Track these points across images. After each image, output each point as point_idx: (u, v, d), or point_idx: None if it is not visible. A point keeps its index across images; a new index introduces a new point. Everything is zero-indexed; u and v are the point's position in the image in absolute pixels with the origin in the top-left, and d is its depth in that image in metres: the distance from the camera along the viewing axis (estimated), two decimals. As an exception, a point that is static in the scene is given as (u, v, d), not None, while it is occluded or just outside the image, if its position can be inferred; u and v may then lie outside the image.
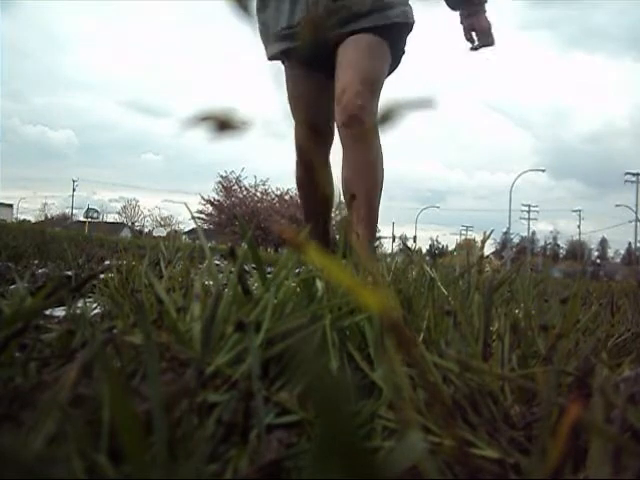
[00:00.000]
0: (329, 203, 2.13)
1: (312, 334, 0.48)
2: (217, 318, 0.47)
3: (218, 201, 22.45)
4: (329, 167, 2.15)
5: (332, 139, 2.18)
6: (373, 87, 1.94)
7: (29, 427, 0.29)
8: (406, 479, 0.31)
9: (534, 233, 61.04)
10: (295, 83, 2.14)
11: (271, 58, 2.16)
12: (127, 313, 0.64)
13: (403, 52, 2.11)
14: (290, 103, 2.17)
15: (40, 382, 0.38)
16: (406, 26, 2.04)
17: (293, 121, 2.14)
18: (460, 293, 0.79)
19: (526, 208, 48.35)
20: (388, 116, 0.32)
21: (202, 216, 22.66)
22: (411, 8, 2.06)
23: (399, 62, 2.12)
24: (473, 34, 2.12)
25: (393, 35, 2.02)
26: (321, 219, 2.25)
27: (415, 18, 2.06)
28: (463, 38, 2.15)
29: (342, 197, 2.07)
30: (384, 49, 2.01)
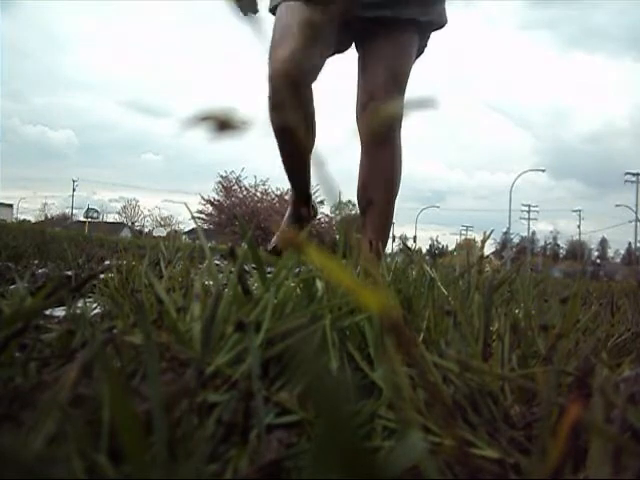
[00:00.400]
0: (308, 149, 1.91)
1: (312, 334, 0.48)
2: (217, 318, 0.47)
3: (218, 201, 22.46)
4: (311, 108, 1.86)
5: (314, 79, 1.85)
6: (401, 92, 1.87)
7: (29, 427, 0.29)
8: (406, 479, 0.31)
9: (534, 233, 61.10)
10: (299, 12, 1.75)
11: (274, 9, 1.86)
12: (127, 313, 0.64)
13: (426, 46, 2.00)
14: (282, 29, 1.78)
15: (40, 382, 0.38)
16: (439, 25, 1.94)
17: (275, 52, 1.73)
18: (460, 293, 0.79)
19: (526, 208, 48.38)
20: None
21: (202, 216, 22.66)
22: (445, 5, 1.94)
23: (418, 57, 2.01)
24: None
25: (426, 33, 1.93)
26: (302, 169, 2.01)
27: (448, 18, 1.95)
28: None
29: (357, 202, 2.00)
30: (414, 47, 1.92)
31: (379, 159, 1.89)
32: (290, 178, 2.06)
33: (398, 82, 1.87)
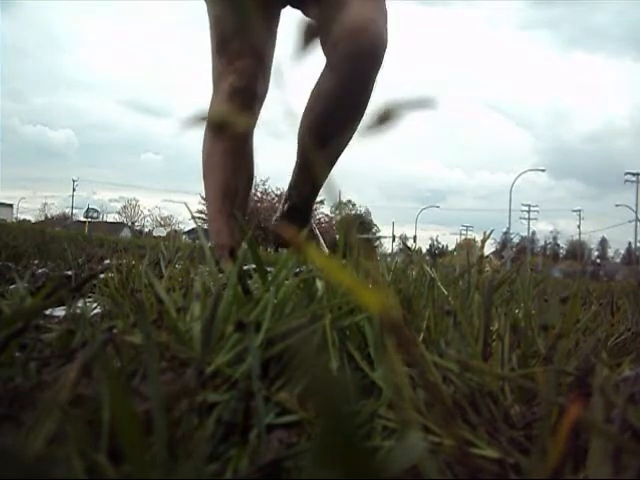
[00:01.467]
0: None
1: (312, 334, 0.48)
2: (217, 318, 0.47)
3: (218, 201, 22.40)
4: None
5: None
6: (386, 18, 1.55)
7: (29, 427, 0.29)
8: (406, 479, 0.31)
9: (534, 233, 61.04)
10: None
11: None
12: (127, 313, 0.64)
13: None
14: (232, 30, 1.60)
15: (40, 382, 0.38)
16: None
17: (227, 57, 1.60)
18: (460, 293, 0.79)
19: (526, 208, 48.38)
20: (387, 116, 0.32)
21: (202, 216, 22.64)
22: None
23: None
24: None
25: None
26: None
27: None
28: None
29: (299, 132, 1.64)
30: None
31: (356, 93, 1.54)
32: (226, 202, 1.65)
33: (383, 14, 1.54)
